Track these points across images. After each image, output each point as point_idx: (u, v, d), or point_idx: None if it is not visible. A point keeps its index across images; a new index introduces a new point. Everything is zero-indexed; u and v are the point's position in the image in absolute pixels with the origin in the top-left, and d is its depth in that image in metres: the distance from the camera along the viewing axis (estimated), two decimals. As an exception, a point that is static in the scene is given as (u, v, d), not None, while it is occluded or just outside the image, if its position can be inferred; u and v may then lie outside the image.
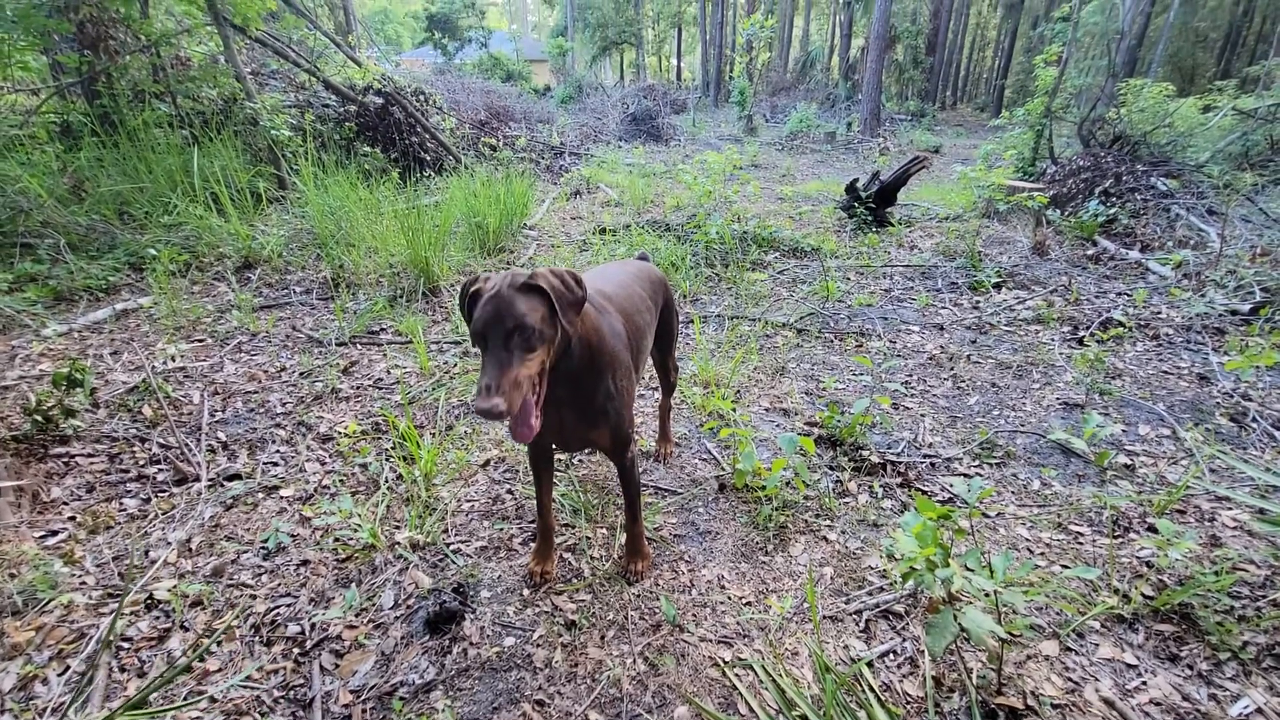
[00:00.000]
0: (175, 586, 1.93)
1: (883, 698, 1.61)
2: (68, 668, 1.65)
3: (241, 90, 5.79)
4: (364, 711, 1.59)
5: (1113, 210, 6.26)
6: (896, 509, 2.39)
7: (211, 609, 1.88)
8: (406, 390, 3.16)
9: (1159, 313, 4.24)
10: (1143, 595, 1.90)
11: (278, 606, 1.90)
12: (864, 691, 1.62)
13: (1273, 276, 4.38)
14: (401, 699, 1.62)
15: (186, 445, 2.62)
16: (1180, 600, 1.84)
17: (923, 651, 1.75)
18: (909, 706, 1.61)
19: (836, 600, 1.96)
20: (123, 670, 1.67)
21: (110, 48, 5.57)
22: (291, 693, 1.64)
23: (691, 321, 4.08)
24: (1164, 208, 6.19)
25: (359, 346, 3.64)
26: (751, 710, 1.59)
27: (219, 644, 1.76)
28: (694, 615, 1.90)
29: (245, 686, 1.64)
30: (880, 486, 2.51)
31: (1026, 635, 1.78)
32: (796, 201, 8.30)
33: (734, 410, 3.01)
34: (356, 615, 1.88)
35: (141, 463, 2.52)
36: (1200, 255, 5.13)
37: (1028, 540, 2.22)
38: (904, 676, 1.69)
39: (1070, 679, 1.67)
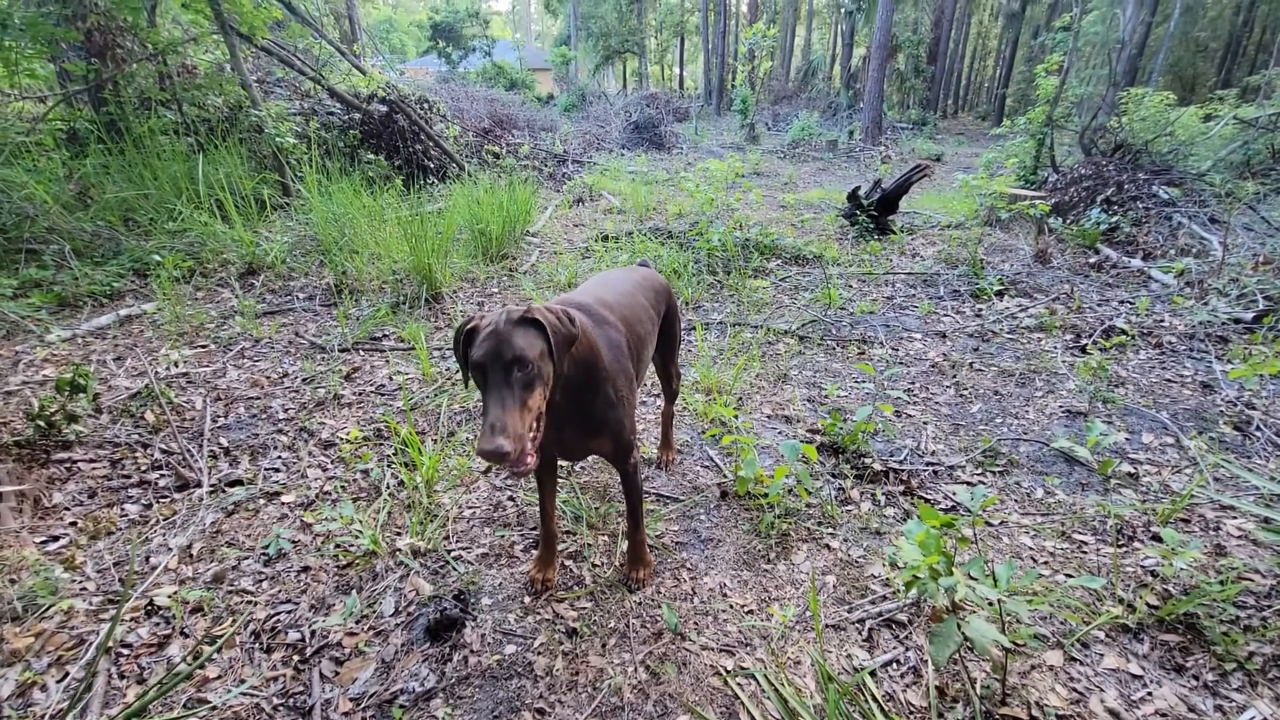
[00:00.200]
0: (176, 592, 1.92)
1: (886, 708, 1.60)
2: (67, 674, 1.65)
3: (247, 98, 5.83)
4: (364, 719, 1.58)
5: (1114, 218, 6.26)
6: (899, 517, 2.38)
7: (212, 615, 1.87)
8: (409, 396, 3.16)
9: (1161, 321, 4.23)
10: (1148, 605, 1.89)
11: (278, 613, 1.90)
12: (867, 701, 1.61)
13: (1275, 285, 4.37)
14: (402, 707, 1.61)
15: (188, 451, 2.62)
16: (1185, 610, 1.83)
17: (926, 661, 1.74)
18: (912, 717, 1.60)
19: (839, 609, 1.95)
20: (122, 677, 1.66)
21: (117, 55, 5.62)
22: (291, 700, 1.63)
23: (694, 328, 4.08)
24: (1166, 216, 6.20)
25: (361, 353, 3.64)
26: (753, 720, 1.58)
27: (219, 650, 1.76)
28: (696, 623, 1.89)
29: (245, 694, 1.63)
30: (883, 494, 2.50)
31: (1030, 645, 1.76)
32: (798, 209, 8.32)
33: (736, 417, 3.01)
34: (357, 622, 1.87)
35: (143, 468, 2.52)
36: (1202, 263, 5.12)
37: (1031, 549, 2.21)
38: (907, 686, 1.68)
39: (1075, 689, 1.65)
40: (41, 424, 2.52)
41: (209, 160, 5.34)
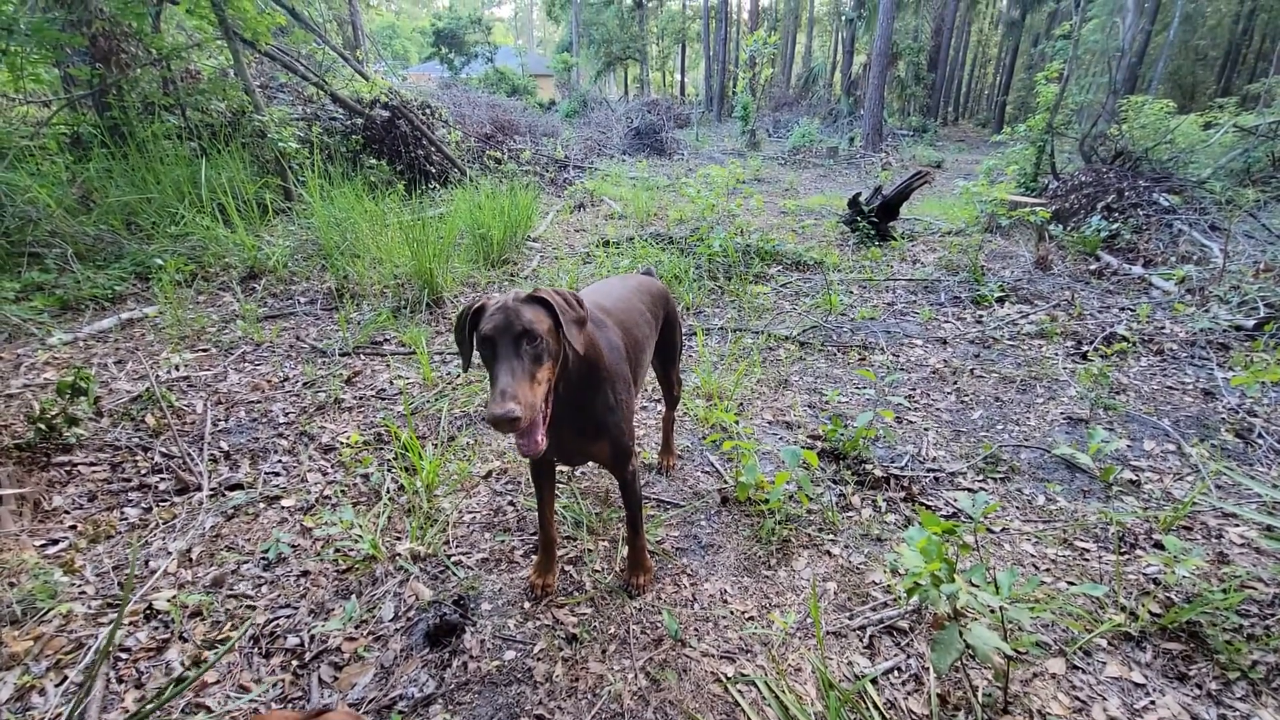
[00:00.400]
0: (175, 597, 1.92)
1: (887, 715, 1.59)
2: (65, 678, 1.64)
3: (250, 103, 5.85)
4: (362, 725, 1.58)
5: (1115, 225, 6.27)
6: (900, 523, 2.37)
7: (211, 619, 1.87)
8: (409, 401, 3.16)
9: (1163, 328, 4.23)
10: (1150, 613, 1.88)
11: (277, 618, 1.89)
12: (868, 709, 1.60)
13: (1276, 292, 4.37)
14: (401, 713, 1.60)
15: (189, 454, 2.62)
16: (1188, 618, 1.82)
17: (927, 668, 1.73)
18: (914, 724, 1.59)
19: (840, 615, 1.94)
20: (120, 681, 1.65)
21: (122, 61, 5.64)
22: (290, 705, 1.62)
23: (695, 334, 4.08)
24: (1166, 223, 6.21)
25: (362, 357, 3.64)
26: (754, 727, 1.57)
27: (217, 655, 1.75)
28: (696, 630, 1.88)
29: (245, 700, 1.63)
30: (884, 501, 2.50)
31: (1033, 653, 1.76)
32: (799, 215, 8.34)
33: (737, 423, 3.01)
34: (356, 627, 1.87)
35: (143, 472, 2.51)
36: (1203, 271, 5.13)
37: (1033, 556, 2.20)
38: (908, 694, 1.67)
39: (1077, 698, 1.65)
40: (42, 427, 2.52)
41: (211, 165, 5.35)
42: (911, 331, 4.37)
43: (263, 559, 2.12)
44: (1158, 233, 6.12)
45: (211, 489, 2.45)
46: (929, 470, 2.73)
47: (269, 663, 1.74)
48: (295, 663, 1.74)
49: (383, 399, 3.22)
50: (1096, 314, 4.58)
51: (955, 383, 3.58)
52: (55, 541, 2.13)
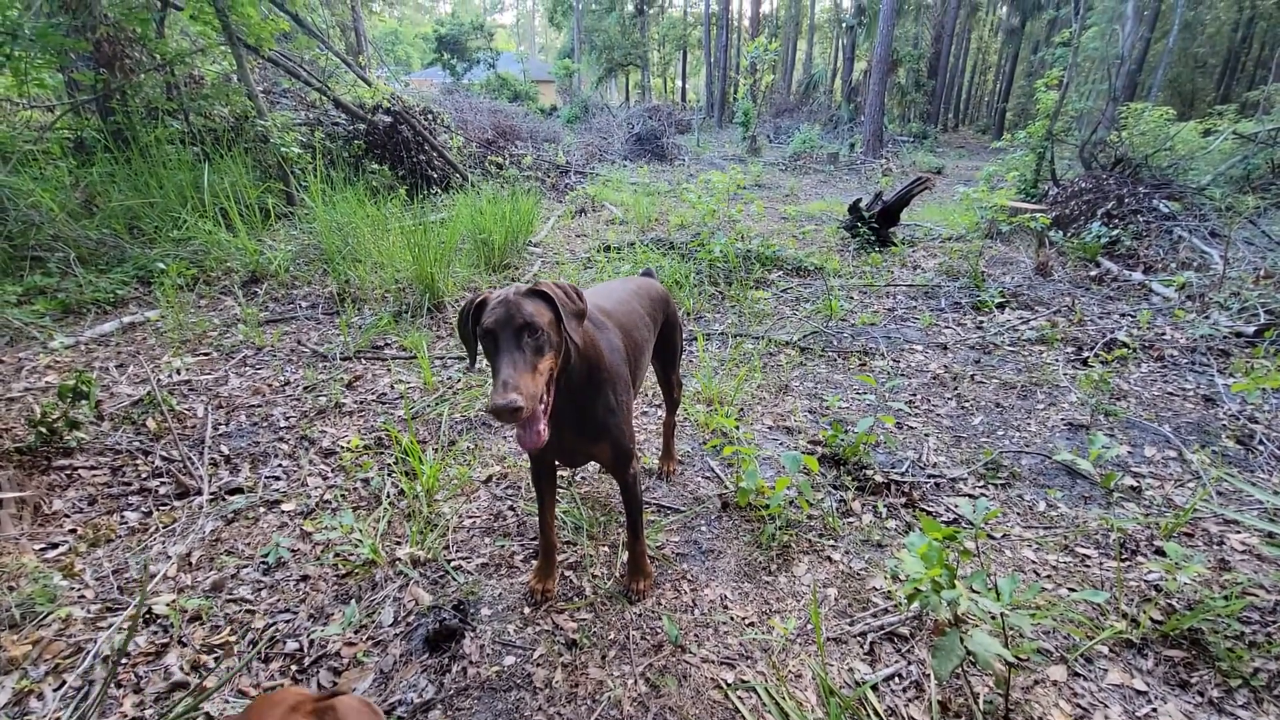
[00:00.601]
0: (174, 601, 1.91)
1: (888, 722, 1.58)
2: (64, 683, 1.64)
3: (253, 108, 5.88)
4: (361, 730, 1.57)
5: (1115, 232, 6.28)
6: (901, 529, 2.37)
7: (210, 624, 1.86)
8: (410, 405, 3.16)
9: (1163, 334, 4.23)
10: (1151, 620, 1.87)
11: (276, 622, 1.89)
12: (868, 716, 1.59)
13: (1276, 299, 4.38)
14: (400, 718, 1.60)
15: (189, 458, 2.62)
16: (1190, 625, 1.82)
17: (928, 675, 1.72)
18: (915, 731, 1.58)
19: (840, 622, 1.93)
20: (119, 686, 1.65)
21: (126, 66, 5.68)
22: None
23: (695, 339, 4.08)
24: (1166, 230, 6.21)
25: (363, 361, 3.65)
26: (754, 734, 1.57)
27: (216, 660, 1.75)
28: (696, 635, 1.88)
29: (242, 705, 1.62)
30: (884, 506, 2.49)
31: (1034, 659, 1.75)
32: (800, 221, 8.35)
33: (737, 428, 3.01)
34: (356, 632, 1.86)
35: (144, 475, 2.52)
36: (1203, 277, 5.13)
37: (1034, 562, 2.20)
38: (909, 701, 1.67)
39: (1079, 705, 1.64)
40: (43, 430, 2.52)
41: (214, 169, 5.38)
42: (912, 337, 4.37)
43: (262, 563, 2.11)
44: (1158, 239, 6.13)
45: (212, 493, 2.45)
46: (930, 476, 2.72)
47: (268, 667, 1.74)
48: (294, 667, 1.74)
49: (383, 403, 3.22)
50: (1097, 320, 4.58)
51: (956, 388, 3.58)
52: (55, 545, 2.13)
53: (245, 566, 2.10)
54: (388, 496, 2.47)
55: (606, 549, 2.24)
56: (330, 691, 1.12)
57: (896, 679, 1.73)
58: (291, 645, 1.81)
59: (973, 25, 37.91)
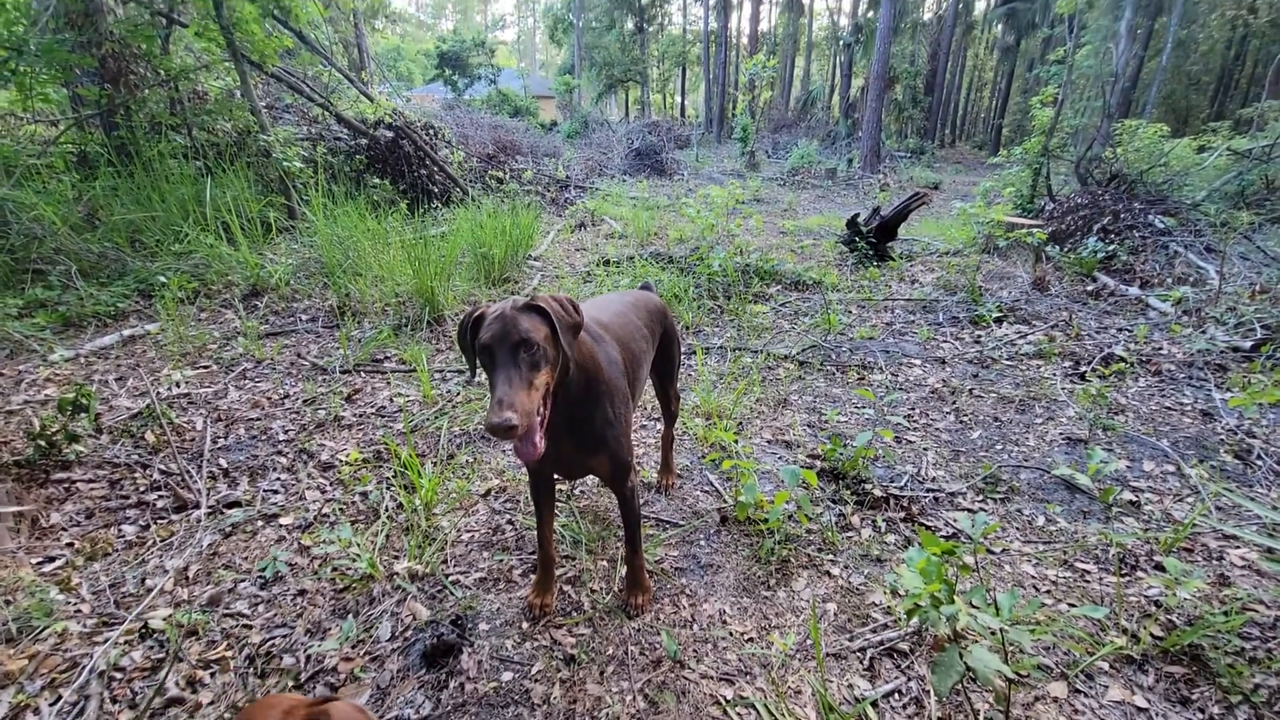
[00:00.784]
0: (171, 615, 1.91)
1: (888, 739, 1.57)
2: (60, 697, 1.63)
3: (256, 123, 5.93)
4: (358, 747, 1.56)
5: (1111, 247, 6.32)
6: (900, 544, 2.37)
7: (207, 639, 1.85)
8: (409, 418, 3.16)
9: (1160, 349, 4.25)
10: (1152, 635, 1.87)
11: (273, 637, 1.88)
12: (869, 732, 1.58)
13: (1273, 314, 4.40)
14: (396, 735, 1.59)
15: (188, 472, 2.62)
16: (1190, 641, 1.81)
17: (928, 691, 1.71)
18: (915, 749, 1.57)
19: (840, 637, 1.93)
20: (114, 701, 1.64)
21: (130, 82, 5.74)
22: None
23: (694, 353, 4.09)
24: (1162, 245, 6.26)
25: (363, 374, 3.65)
26: (754, 751, 1.56)
27: (212, 675, 1.74)
28: (695, 651, 1.87)
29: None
30: (883, 521, 2.49)
31: (1034, 675, 1.74)
32: (798, 235, 8.40)
33: (736, 442, 3.01)
34: (353, 647, 1.85)
35: (142, 489, 2.51)
36: (1200, 292, 5.16)
37: (1033, 577, 2.19)
38: (909, 717, 1.66)
39: (1080, 722, 1.63)
40: (42, 444, 2.52)
41: (216, 183, 5.41)
42: (910, 351, 4.38)
43: (260, 577, 2.11)
44: (1154, 254, 6.17)
45: (210, 507, 2.44)
46: (928, 490, 2.72)
47: (264, 683, 1.73)
48: (291, 683, 1.73)
49: (382, 416, 3.22)
50: (1094, 334, 4.60)
51: (954, 402, 3.59)
52: (52, 559, 2.12)
53: (242, 580, 2.09)
54: (386, 510, 2.47)
55: (605, 563, 2.24)
56: (324, 697, 1.12)
57: (896, 695, 1.72)
58: (288, 660, 1.80)
59: (968, 43, 38.40)
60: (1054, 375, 3.91)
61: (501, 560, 2.24)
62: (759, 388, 3.71)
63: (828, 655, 1.85)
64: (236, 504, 2.48)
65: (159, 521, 2.35)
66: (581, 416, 1.66)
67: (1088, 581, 2.16)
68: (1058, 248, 6.83)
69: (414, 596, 2.04)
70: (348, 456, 2.81)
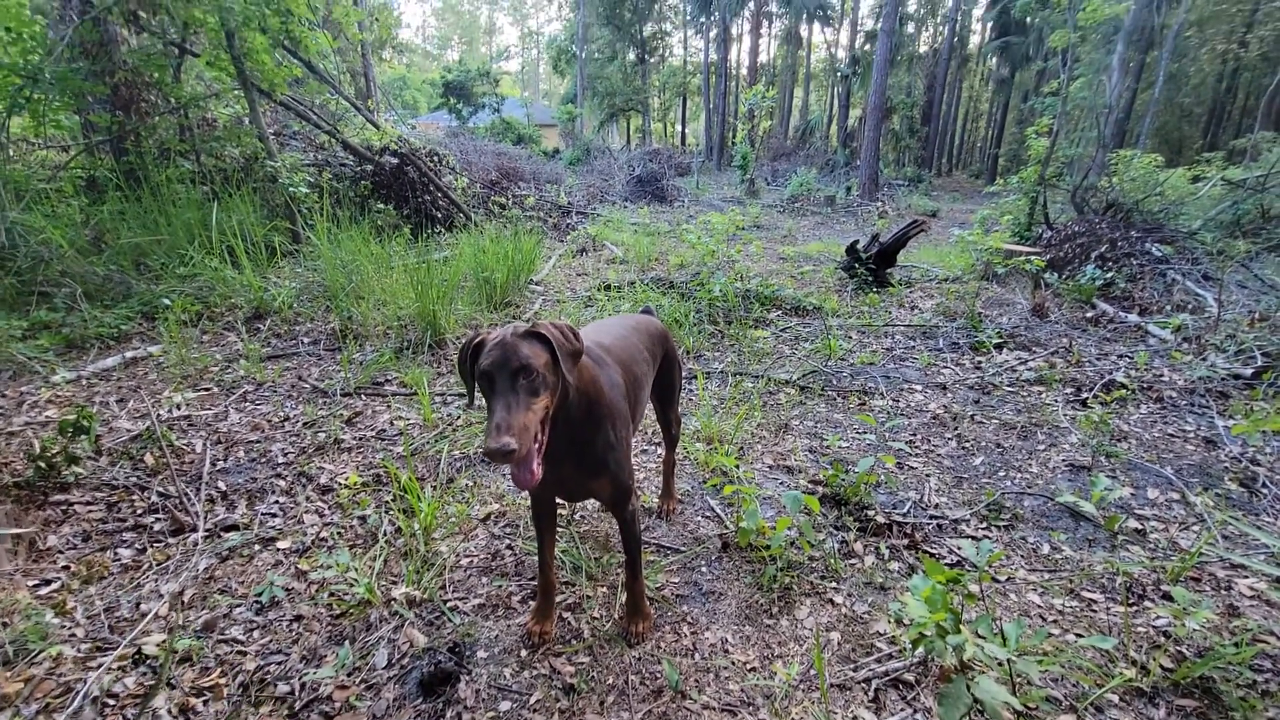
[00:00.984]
0: (164, 641, 1.88)
1: (894, 773, 1.54)
2: (48, 726, 1.60)
3: (263, 149, 6.03)
4: (352, 779, 1.52)
5: (1109, 274, 6.37)
6: (904, 571, 2.34)
7: (200, 665, 1.82)
8: (409, 442, 3.15)
9: (1161, 375, 4.25)
10: (1162, 667, 1.84)
11: (268, 664, 1.85)
12: (875, 766, 1.55)
13: (1273, 341, 4.41)
14: (392, 766, 1.55)
15: (186, 494, 2.60)
16: (1201, 673, 1.78)
17: (935, 724, 1.68)
18: (922, 783, 1.54)
19: (844, 667, 1.89)
20: (105, 730, 1.61)
21: (142, 109, 5.84)
22: (278, 757, 1.57)
23: (695, 377, 4.10)
24: (1160, 273, 6.30)
25: (363, 397, 3.65)
26: (757, 785, 1.52)
27: (205, 703, 1.70)
28: (696, 680, 1.83)
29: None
30: (887, 548, 2.47)
31: (1042, 708, 1.71)
32: (798, 261, 8.46)
33: (737, 467, 2.99)
34: (349, 675, 1.82)
35: (139, 511, 2.49)
36: (1199, 319, 5.18)
37: (1039, 607, 2.16)
38: (916, 750, 1.62)
39: (1090, 756, 1.59)
40: (42, 465, 2.51)
41: (223, 208, 5.48)
42: (911, 377, 4.38)
43: (256, 602, 2.08)
44: (1152, 282, 6.21)
45: (207, 530, 2.42)
46: (931, 517, 2.70)
47: (258, 712, 1.69)
48: (285, 711, 1.69)
49: (382, 439, 3.21)
50: (1095, 361, 4.60)
51: (956, 428, 3.58)
52: (48, 582, 2.10)
53: (238, 606, 2.07)
54: (385, 534, 2.45)
55: (605, 589, 2.21)
56: None
57: (902, 727, 1.69)
58: (283, 688, 1.76)
59: (964, 75, 39.14)
60: (1055, 402, 3.91)
61: (500, 586, 2.21)
62: (760, 413, 3.70)
63: (832, 686, 1.82)
64: (234, 527, 2.46)
65: (155, 545, 2.33)
66: (583, 439, 1.66)
67: (1094, 611, 2.13)
68: (1056, 275, 6.88)
69: (411, 623, 2.01)
70: (347, 480, 2.79)
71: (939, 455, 3.29)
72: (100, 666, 1.76)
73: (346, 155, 7.57)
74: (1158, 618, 2.06)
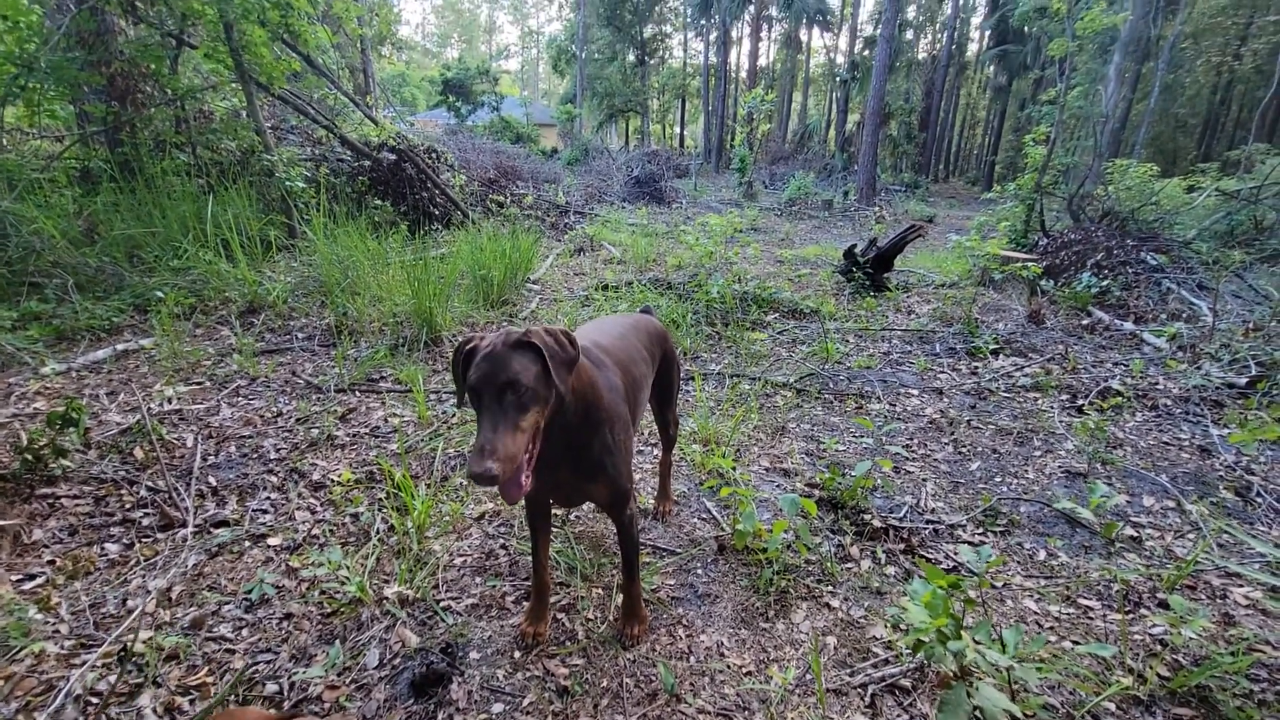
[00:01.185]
0: (151, 638, 1.84)
1: (891, 780, 1.52)
2: (30, 723, 1.56)
3: (260, 143, 5.98)
4: (341, 781, 1.50)
5: (1105, 282, 6.39)
6: (900, 576, 2.33)
7: (188, 663, 1.79)
8: (404, 439, 3.12)
9: (1156, 383, 4.26)
10: (1158, 675, 1.83)
11: (257, 663, 1.82)
12: (871, 773, 1.53)
13: (1267, 351, 4.43)
14: (381, 768, 1.53)
15: (176, 489, 2.56)
16: (1198, 682, 1.77)
17: (932, 730, 1.66)
18: (919, 791, 1.52)
19: (840, 672, 1.88)
20: (88, 728, 1.57)
21: (138, 100, 5.79)
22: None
23: (692, 379, 4.08)
24: (1155, 281, 6.33)
25: (358, 394, 3.62)
26: (752, 790, 1.50)
27: (192, 702, 1.67)
28: (692, 684, 1.82)
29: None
30: (883, 552, 2.46)
31: (1041, 715, 1.70)
32: (795, 264, 8.46)
33: (734, 469, 2.98)
34: (339, 674, 1.79)
35: (127, 506, 2.46)
36: (1193, 328, 5.20)
37: (1036, 613, 2.15)
38: (913, 757, 1.61)
39: (1087, 765, 1.58)
40: (29, 458, 2.47)
41: (218, 201, 5.43)
42: (908, 381, 4.38)
43: (245, 600, 2.05)
44: (1147, 290, 6.23)
45: (196, 525, 2.39)
46: (928, 522, 2.69)
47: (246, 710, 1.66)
48: (274, 711, 1.66)
49: (376, 436, 3.18)
50: (1090, 368, 4.61)
51: (952, 433, 3.58)
52: (32, 576, 2.06)
53: (227, 603, 2.04)
54: (377, 532, 2.42)
55: (600, 591, 2.19)
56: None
57: (899, 734, 1.67)
58: (271, 687, 1.73)
59: (962, 83, 39.34)
60: (1051, 408, 3.91)
61: (494, 586, 2.19)
62: (757, 415, 3.69)
63: (828, 691, 1.80)
64: (224, 523, 2.43)
65: (143, 540, 2.29)
66: (580, 444, 1.63)
67: (1091, 618, 2.13)
68: (1052, 282, 6.90)
69: (403, 622, 1.99)
70: (340, 477, 2.76)
71: (935, 460, 3.28)
72: (84, 664, 1.73)
73: (344, 150, 7.52)
74: (1154, 625, 2.06)
